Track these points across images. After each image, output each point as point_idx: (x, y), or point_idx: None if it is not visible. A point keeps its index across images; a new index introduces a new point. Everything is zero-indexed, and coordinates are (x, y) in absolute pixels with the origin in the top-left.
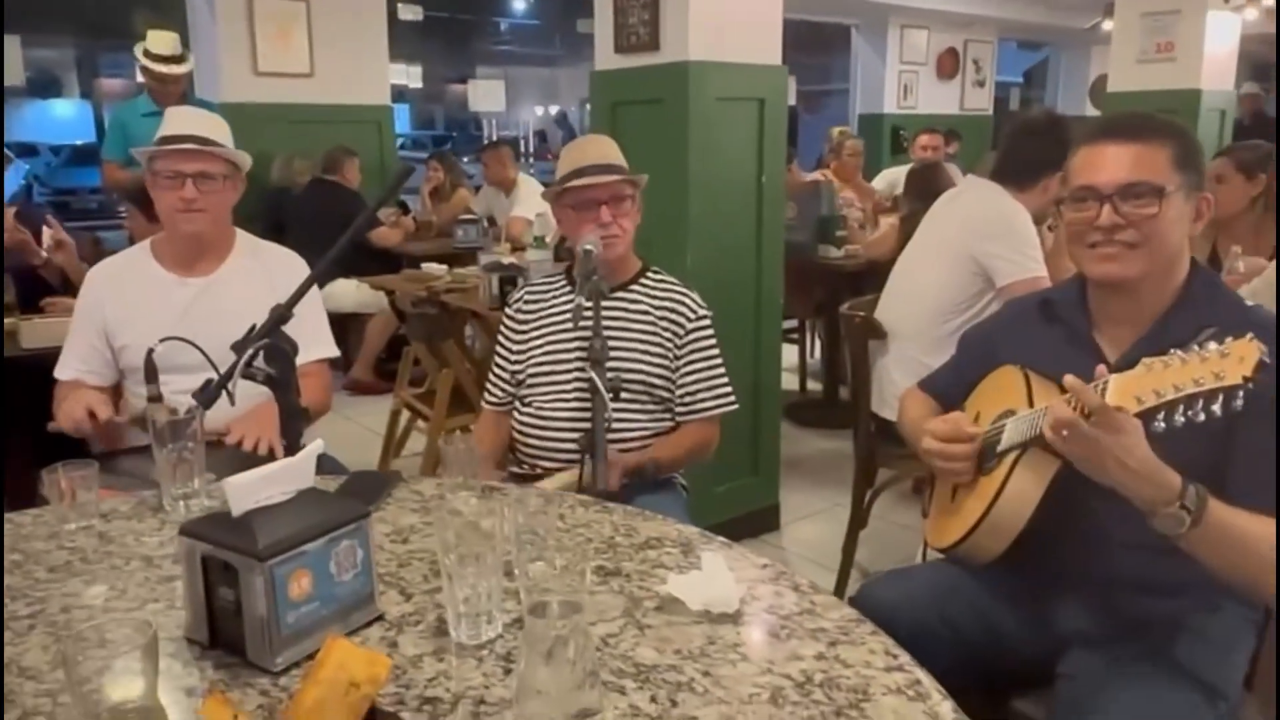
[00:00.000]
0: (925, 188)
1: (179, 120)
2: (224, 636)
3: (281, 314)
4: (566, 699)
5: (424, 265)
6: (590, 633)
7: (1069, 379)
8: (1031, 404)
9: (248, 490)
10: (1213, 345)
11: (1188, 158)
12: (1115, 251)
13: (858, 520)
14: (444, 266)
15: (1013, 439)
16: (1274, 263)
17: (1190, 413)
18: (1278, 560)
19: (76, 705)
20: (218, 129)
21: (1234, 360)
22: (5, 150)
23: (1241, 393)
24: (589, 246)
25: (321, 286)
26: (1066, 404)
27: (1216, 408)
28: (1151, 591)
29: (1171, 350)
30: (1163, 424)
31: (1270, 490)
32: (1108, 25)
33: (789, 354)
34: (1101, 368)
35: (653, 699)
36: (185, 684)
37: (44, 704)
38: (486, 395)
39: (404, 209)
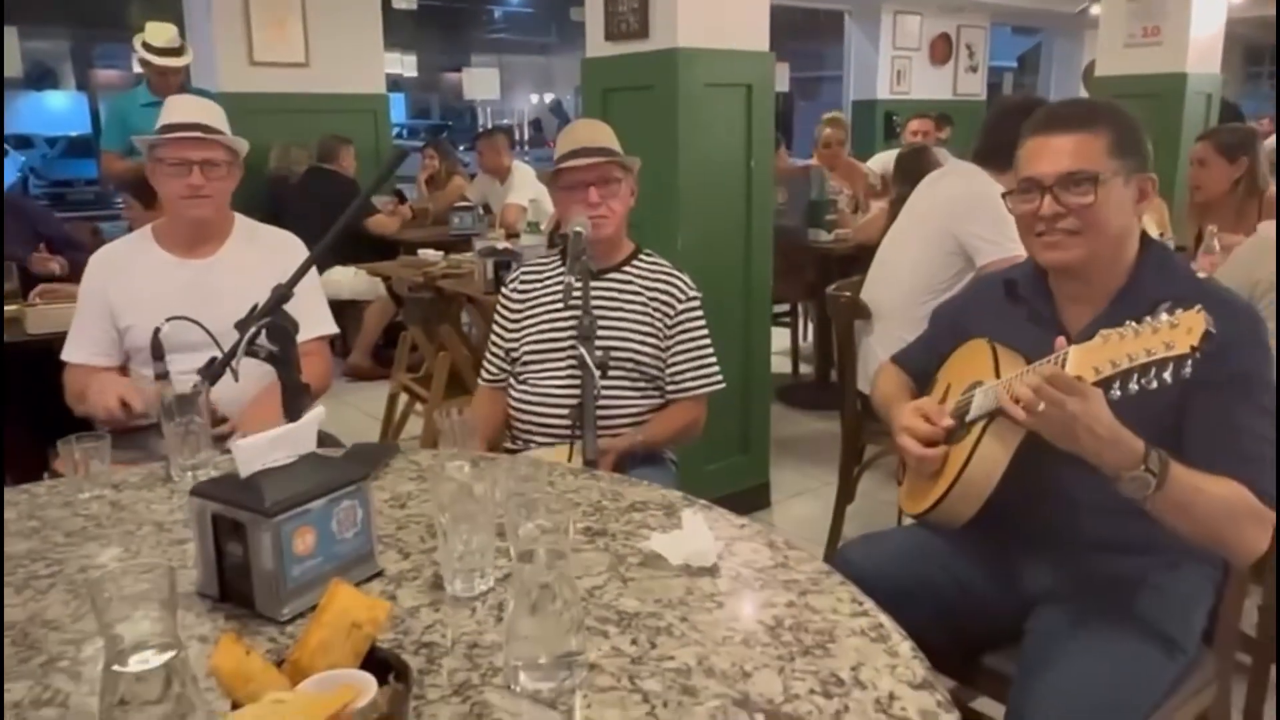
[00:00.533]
0: (913, 171)
1: (181, 108)
2: (234, 590)
3: (283, 293)
4: (553, 642)
5: (420, 252)
6: (575, 582)
7: (1043, 366)
8: (998, 375)
9: (255, 453)
10: (1164, 316)
11: (1125, 143)
12: (1058, 239)
13: (845, 495)
14: (440, 253)
15: (981, 409)
16: (1246, 239)
17: (1143, 381)
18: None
19: (105, 642)
20: (218, 117)
21: (1183, 331)
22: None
23: (1190, 361)
24: (579, 228)
25: (320, 273)
26: (1033, 373)
27: (1167, 375)
28: (1115, 551)
29: (1127, 322)
30: (1118, 392)
31: (1229, 457)
32: (1095, 9)
33: (782, 337)
34: (1060, 340)
35: (633, 641)
36: (198, 633)
37: (68, 650)
38: (483, 372)
39: (400, 198)
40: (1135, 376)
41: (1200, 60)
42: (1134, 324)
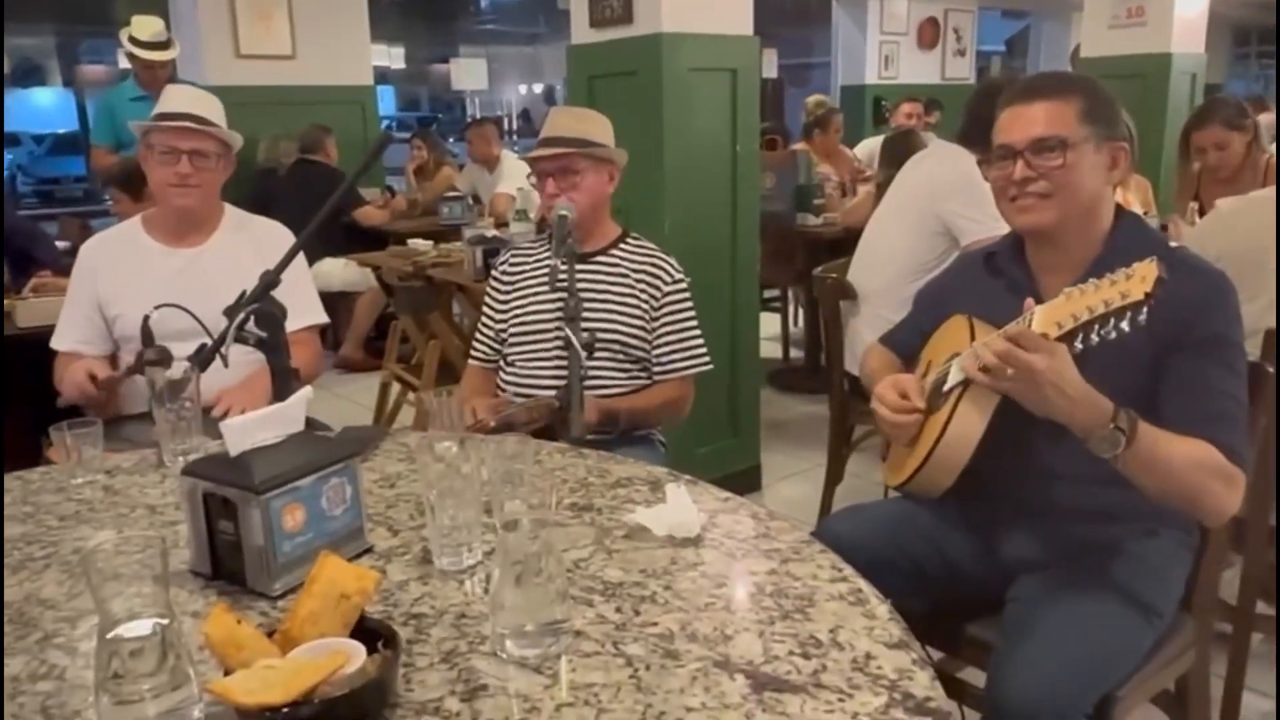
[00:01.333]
0: (899, 154)
1: (177, 98)
2: (225, 567)
3: (271, 279)
4: (538, 610)
5: (409, 242)
6: (560, 552)
7: (1007, 327)
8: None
9: (244, 432)
10: (1121, 270)
11: (1097, 111)
12: (1030, 203)
13: (834, 476)
14: (429, 243)
15: (956, 378)
16: (1208, 210)
17: (1103, 331)
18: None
19: (99, 615)
20: (213, 108)
21: (1137, 280)
22: None
23: (1145, 308)
24: (564, 212)
25: (309, 265)
26: (998, 337)
27: (1125, 324)
28: (1092, 519)
29: (1089, 279)
30: (1081, 345)
31: (1200, 417)
32: None
33: (772, 323)
34: (1029, 301)
35: (618, 609)
36: (191, 609)
37: (63, 627)
38: (472, 352)
39: (390, 193)
40: (1096, 328)
41: (1184, 40)
42: (1095, 279)
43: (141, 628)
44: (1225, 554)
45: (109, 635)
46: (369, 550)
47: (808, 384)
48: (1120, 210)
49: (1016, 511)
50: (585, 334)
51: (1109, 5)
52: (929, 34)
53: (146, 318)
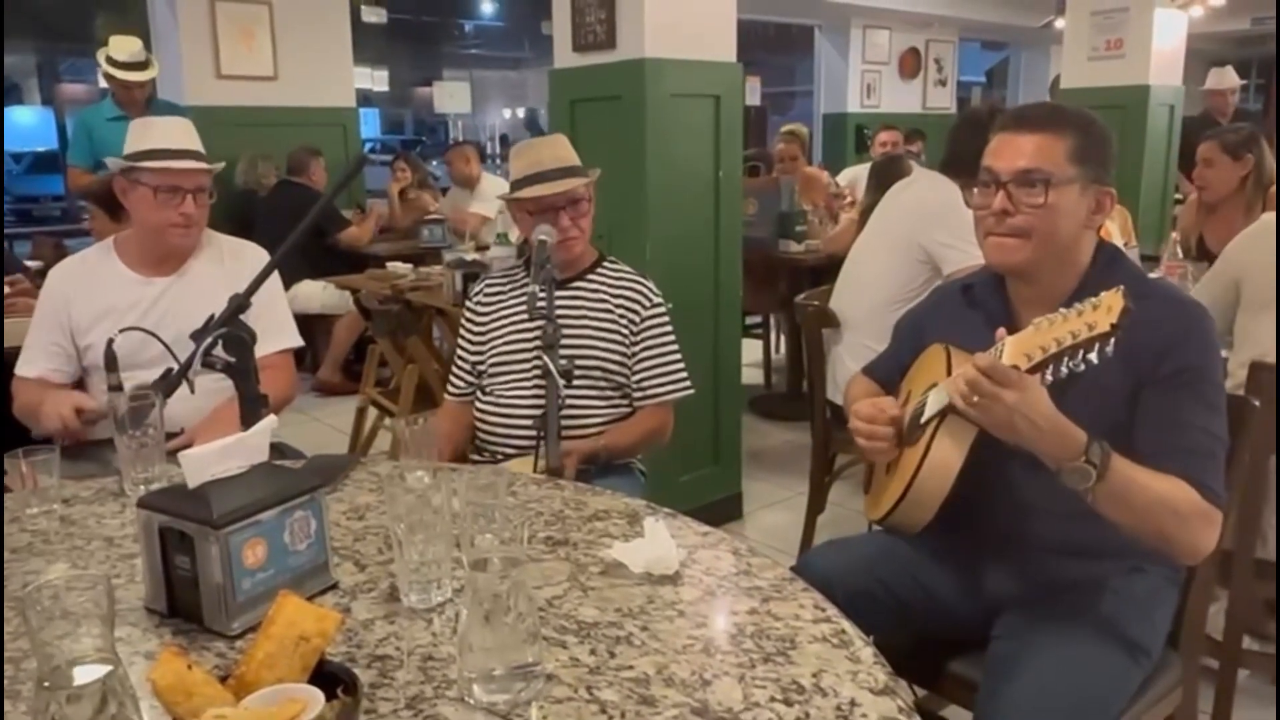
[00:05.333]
0: (887, 180)
1: (168, 132)
2: (182, 605)
3: (240, 302)
4: (508, 652)
5: (389, 265)
6: (532, 592)
7: (979, 357)
8: (950, 375)
9: (204, 463)
10: (1088, 300)
11: (1088, 150)
12: (1005, 242)
13: (816, 505)
14: (409, 266)
15: (934, 408)
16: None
17: (1072, 363)
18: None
19: (37, 659)
20: (195, 137)
21: (1103, 310)
22: None
23: (1112, 340)
24: (543, 237)
25: (287, 288)
26: (970, 367)
27: (1093, 355)
28: (1075, 555)
29: (1058, 309)
30: (1050, 376)
31: (1175, 453)
32: (1060, 24)
33: (754, 349)
34: (1001, 331)
35: (592, 652)
36: (144, 649)
37: (4, 669)
38: (449, 387)
39: (360, 209)
40: (1065, 359)
41: (1162, 72)
42: (1063, 310)
43: (81, 674)
44: (1212, 589)
45: (46, 683)
46: (334, 586)
47: (789, 411)
48: (1100, 243)
49: (998, 546)
50: (564, 361)
51: (1088, 37)
52: (910, 64)
53: (110, 342)
